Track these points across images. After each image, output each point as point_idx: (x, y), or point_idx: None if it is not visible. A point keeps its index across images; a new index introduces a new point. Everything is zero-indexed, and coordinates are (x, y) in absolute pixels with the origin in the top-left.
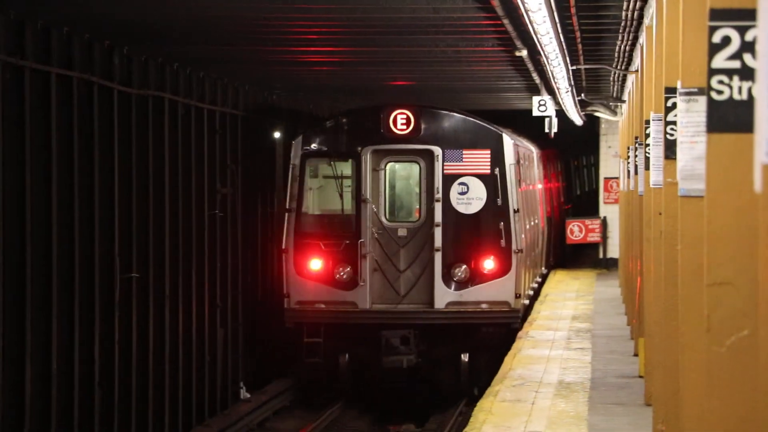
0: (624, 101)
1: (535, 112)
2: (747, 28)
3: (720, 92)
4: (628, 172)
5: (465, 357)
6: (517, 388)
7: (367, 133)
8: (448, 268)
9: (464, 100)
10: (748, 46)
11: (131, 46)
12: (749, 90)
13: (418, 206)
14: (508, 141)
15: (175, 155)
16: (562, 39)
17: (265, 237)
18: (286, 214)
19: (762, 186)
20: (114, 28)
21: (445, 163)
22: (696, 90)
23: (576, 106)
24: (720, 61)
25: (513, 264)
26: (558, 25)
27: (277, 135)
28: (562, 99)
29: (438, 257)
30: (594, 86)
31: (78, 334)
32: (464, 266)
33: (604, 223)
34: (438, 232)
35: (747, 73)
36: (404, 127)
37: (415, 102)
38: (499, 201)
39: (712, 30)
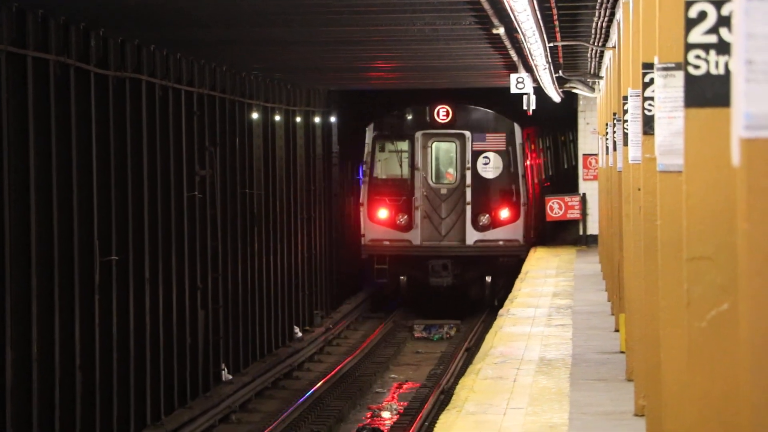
0: (601, 77)
1: (513, 90)
2: (723, 2)
3: (697, 67)
4: (607, 148)
5: (488, 279)
6: (498, 365)
7: (418, 122)
8: (475, 216)
9: (442, 79)
10: (725, 21)
11: (107, 28)
12: (726, 64)
13: (454, 173)
14: (518, 127)
15: (153, 137)
16: (539, 16)
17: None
18: (363, 179)
19: (740, 160)
20: (90, 11)
21: (473, 143)
22: (673, 65)
23: (554, 83)
24: (696, 35)
25: (521, 213)
26: (534, 1)
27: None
28: (539, 76)
29: (468, 209)
30: (571, 63)
31: (58, 317)
32: (487, 215)
33: (583, 200)
34: (468, 191)
35: (723, 48)
36: (445, 117)
37: (452, 100)
38: (512, 169)
39: (689, 5)
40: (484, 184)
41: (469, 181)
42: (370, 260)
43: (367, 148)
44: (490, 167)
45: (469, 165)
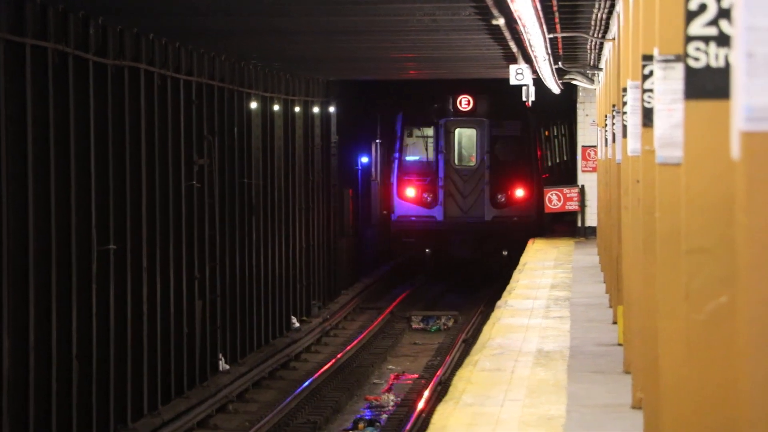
0: (601, 69)
1: (513, 81)
2: None
3: (697, 59)
4: (606, 140)
5: (505, 252)
6: (496, 357)
7: (443, 110)
8: (493, 194)
9: (442, 69)
10: (725, 13)
11: (106, 16)
12: (726, 57)
13: (475, 155)
14: (532, 115)
15: (152, 126)
16: (539, 7)
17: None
18: (394, 161)
19: (740, 153)
20: None
21: (492, 129)
22: (673, 57)
23: (553, 75)
24: (697, 27)
25: (534, 192)
26: None
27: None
28: (539, 67)
29: (487, 188)
30: (571, 54)
31: (55, 306)
32: (504, 193)
33: (582, 192)
34: (487, 172)
35: (724, 40)
36: (466, 106)
37: (472, 90)
38: (525, 152)
39: None
40: (502, 166)
41: (488, 163)
42: (398, 235)
43: (397, 134)
44: (507, 151)
45: (488, 149)
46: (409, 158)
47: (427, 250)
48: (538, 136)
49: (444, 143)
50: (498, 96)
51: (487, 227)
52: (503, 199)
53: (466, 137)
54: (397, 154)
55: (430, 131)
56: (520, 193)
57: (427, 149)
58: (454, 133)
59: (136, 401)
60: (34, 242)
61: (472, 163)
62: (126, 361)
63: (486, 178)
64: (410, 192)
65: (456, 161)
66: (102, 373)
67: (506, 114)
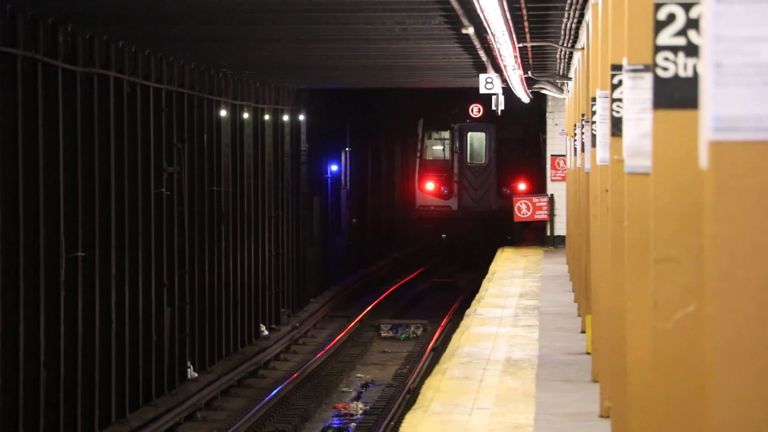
0: (570, 79)
1: (482, 90)
2: (691, 5)
3: (665, 69)
4: (575, 149)
5: (509, 237)
6: (465, 365)
7: (458, 117)
8: (499, 188)
9: (411, 78)
10: (693, 23)
11: (76, 23)
12: (694, 67)
13: (484, 154)
14: (532, 120)
15: (121, 133)
16: (509, 16)
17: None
18: (417, 159)
19: (707, 162)
20: (58, 6)
21: (498, 132)
22: (642, 67)
23: (523, 84)
24: (665, 37)
25: (533, 186)
26: (504, 2)
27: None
28: (508, 77)
29: (494, 182)
30: (540, 64)
31: (23, 313)
32: (508, 187)
33: (551, 201)
34: (495, 169)
35: (692, 50)
36: (477, 113)
37: (482, 99)
38: (526, 152)
39: (658, 7)
40: (507, 164)
41: (495, 161)
42: (420, 222)
43: (419, 136)
44: (511, 151)
45: (495, 149)
46: (428, 157)
47: (443, 235)
48: (537, 139)
49: (458, 144)
50: (505, 104)
51: (494, 215)
52: (508, 192)
53: (477, 139)
54: (418, 154)
55: (446, 134)
56: (521, 186)
57: (444, 149)
58: (466, 135)
59: (104, 409)
60: (2, 249)
61: (482, 161)
62: (94, 369)
63: (494, 174)
64: (430, 185)
65: (468, 159)
66: (70, 380)
67: (511, 119)
